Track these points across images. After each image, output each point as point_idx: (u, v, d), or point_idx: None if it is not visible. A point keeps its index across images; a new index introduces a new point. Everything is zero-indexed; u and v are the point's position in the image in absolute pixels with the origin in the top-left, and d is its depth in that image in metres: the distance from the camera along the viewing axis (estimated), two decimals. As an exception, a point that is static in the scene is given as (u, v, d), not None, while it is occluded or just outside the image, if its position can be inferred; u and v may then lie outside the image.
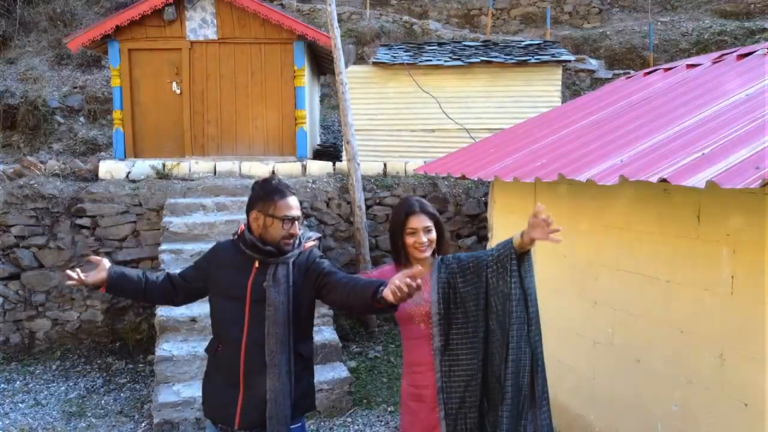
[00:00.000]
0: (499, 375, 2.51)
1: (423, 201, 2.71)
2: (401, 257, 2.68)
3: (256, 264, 2.46)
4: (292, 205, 2.46)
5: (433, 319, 2.58)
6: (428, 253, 2.63)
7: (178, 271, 2.78)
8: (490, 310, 2.56)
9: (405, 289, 1.99)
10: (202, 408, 2.77)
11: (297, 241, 2.50)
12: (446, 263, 2.66)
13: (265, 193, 2.46)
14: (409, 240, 2.62)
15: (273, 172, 7.50)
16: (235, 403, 2.43)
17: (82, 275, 2.49)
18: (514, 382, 2.48)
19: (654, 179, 2.52)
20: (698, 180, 2.33)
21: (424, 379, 2.66)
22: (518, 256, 2.50)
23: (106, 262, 2.57)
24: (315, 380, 2.67)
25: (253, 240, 2.46)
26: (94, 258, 2.60)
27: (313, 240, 2.63)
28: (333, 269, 2.47)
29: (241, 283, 2.45)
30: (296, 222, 2.46)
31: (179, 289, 2.67)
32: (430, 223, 2.63)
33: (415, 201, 2.70)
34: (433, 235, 2.64)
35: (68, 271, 2.50)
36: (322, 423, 4.68)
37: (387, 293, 2.05)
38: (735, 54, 4.11)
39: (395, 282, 2.02)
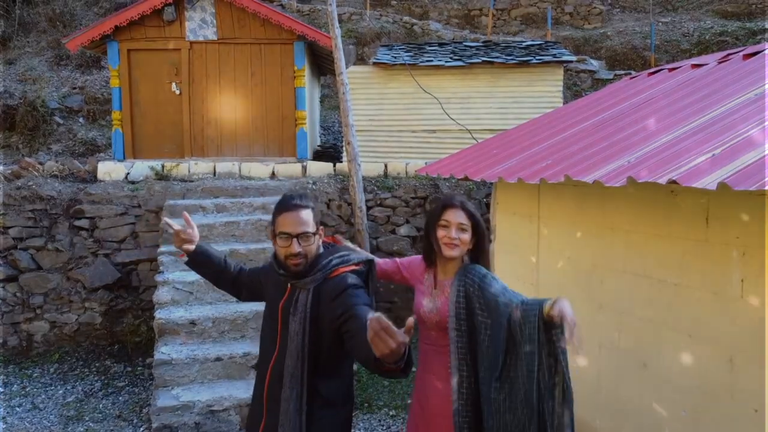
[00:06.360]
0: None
1: (466, 200, 2.56)
2: (431, 254, 2.57)
3: (288, 286, 2.29)
4: (292, 220, 2.20)
5: (450, 335, 2.44)
6: (456, 253, 2.48)
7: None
8: (508, 365, 2.34)
9: (383, 342, 1.61)
10: None
11: (308, 261, 2.22)
12: (468, 274, 2.48)
13: (274, 209, 2.29)
14: (440, 233, 2.48)
15: (273, 173, 7.45)
16: (259, 425, 2.32)
17: (177, 225, 2.57)
18: None
19: (663, 180, 2.47)
20: (709, 181, 2.27)
21: (427, 388, 2.59)
22: (545, 324, 2.24)
23: (196, 234, 2.62)
24: None
25: (272, 261, 2.33)
26: (186, 216, 2.64)
27: (353, 265, 2.27)
28: (361, 309, 2.06)
29: (276, 306, 2.31)
30: (295, 239, 2.18)
31: (244, 288, 2.66)
32: (466, 222, 2.48)
33: (457, 196, 2.56)
34: (467, 236, 2.48)
35: (166, 219, 2.63)
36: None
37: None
38: (741, 54, 4.06)
39: (372, 326, 1.63)
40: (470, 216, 2.49)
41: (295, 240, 2.19)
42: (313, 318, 2.19)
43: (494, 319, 2.37)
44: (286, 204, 2.24)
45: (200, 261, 2.64)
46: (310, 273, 2.23)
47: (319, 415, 2.23)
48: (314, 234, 2.24)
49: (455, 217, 2.47)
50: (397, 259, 2.80)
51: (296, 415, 2.18)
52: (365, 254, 2.40)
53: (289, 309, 2.24)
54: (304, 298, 2.21)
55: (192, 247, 2.61)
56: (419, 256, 2.69)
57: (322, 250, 2.32)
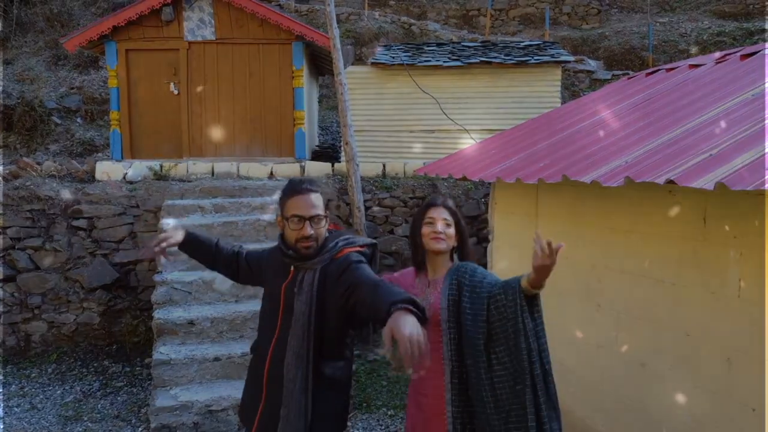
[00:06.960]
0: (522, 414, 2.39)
1: (448, 199, 2.70)
2: (419, 255, 2.64)
3: (292, 269, 2.32)
4: (304, 203, 2.25)
5: (443, 327, 2.50)
6: (443, 246, 2.56)
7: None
8: (492, 344, 2.44)
9: (410, 348, 1.72)
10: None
11: (318, 244, 2.28)
12: (461, 269, 2.57)
13: (283, 193, 2.33)
14: (426, 230, 2.57)
15: (271, 173, 7.45)
16: (256, 410, 2.34)
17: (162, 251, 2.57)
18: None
19: (661, 180, 2.47)
20: (706, 181, 2.28)
21: (423, 387, 2.59)
22: (527, 296, 2.38)
23: (179, 236, 2.64)
24: None
25: (279, 244, 2.37)
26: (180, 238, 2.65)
27: (359, 246, 2.33)
28: (366, 278, 2.15)
29: (278, 288, 2.34)
30: (308, 222, 2.23)
31: (241, 271, 2.68)
32: (449, 218, 2.59)
33: (439, 197, 2.70)
34: (451, 231, 2.59)
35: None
36: (322, 427, 4.63)
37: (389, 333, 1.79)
38: (738, 54, 4.07)
39: (399, 333, 1.74)
40: (453, 213, 2.62)
41: (307, 222, 2.24)
42: (319, 297, 2.23)
43: (477, 298, 2.47)
44: (297, 187, 2.29)
45: (193, 246, 2.68)
46: (317, 255, 2.27)
47: (322, 397, 2.26)
48: (325, 217, 2.29)
49: (439, 213, 2.59)
50: (388, 275, 2.83)
51: (301, 395, 2.21)
52: (369, 239, 2.48)
53: (293, 290, 2.27)
54: (310, 278, 2.25)
55: (175, 246, 2.65)
56: (409, 269, 2.74)
57: (327, 234, 2.36)
